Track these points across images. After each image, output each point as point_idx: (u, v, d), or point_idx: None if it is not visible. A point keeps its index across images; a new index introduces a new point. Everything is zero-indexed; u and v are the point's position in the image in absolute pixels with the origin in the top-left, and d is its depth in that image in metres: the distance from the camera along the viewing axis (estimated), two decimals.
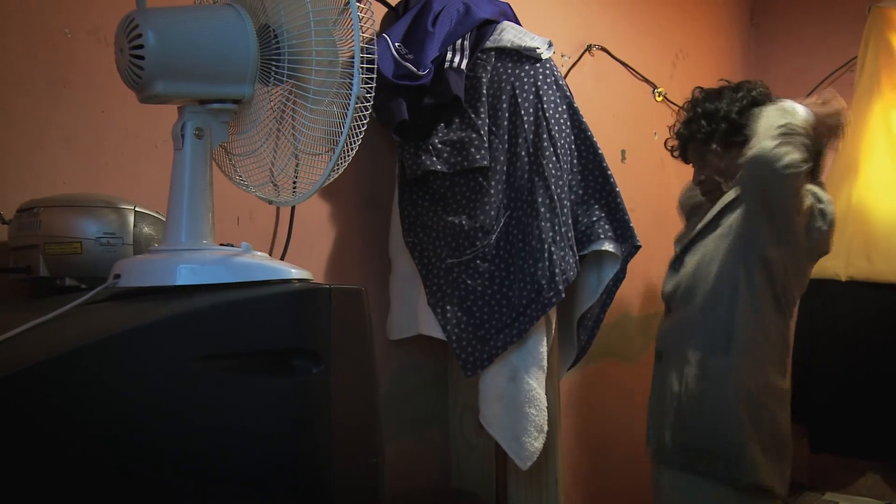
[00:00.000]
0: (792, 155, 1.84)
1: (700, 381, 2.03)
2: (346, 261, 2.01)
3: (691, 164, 2.25)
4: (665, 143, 2.33)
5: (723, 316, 2.03)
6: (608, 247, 1.94)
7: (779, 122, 1.88)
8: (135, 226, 1.28)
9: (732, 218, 2.06)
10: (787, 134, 1.86)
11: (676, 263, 2.21)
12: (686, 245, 2.19)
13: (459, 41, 1.93)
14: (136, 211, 1.29)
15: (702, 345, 2.05)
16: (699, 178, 2.21)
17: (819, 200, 2.01)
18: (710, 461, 2.00)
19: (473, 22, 1.96)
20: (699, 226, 2.17)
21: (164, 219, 1.30)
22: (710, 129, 2.13)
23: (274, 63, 1.12)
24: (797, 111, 1.92)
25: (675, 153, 2.29)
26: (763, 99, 2.11)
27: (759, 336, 2.03)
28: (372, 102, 1.12)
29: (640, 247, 1.96)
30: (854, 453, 3.20)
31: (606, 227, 1.94)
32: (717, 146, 2.13)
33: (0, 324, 0.96)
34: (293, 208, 1.84)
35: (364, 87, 1.09)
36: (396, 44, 1.91)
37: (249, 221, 1.79)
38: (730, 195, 2.10)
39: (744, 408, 1.99)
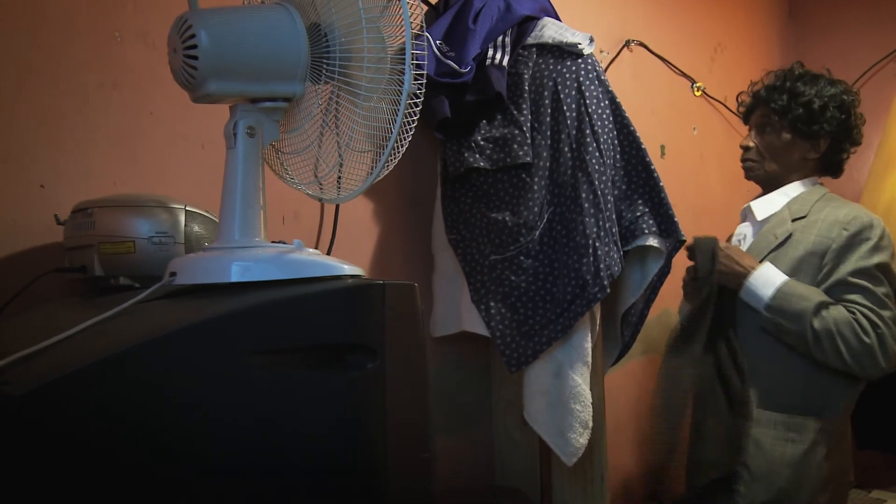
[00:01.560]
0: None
1: (782, 444, 1.96)
2: (389, 258, 2.02)
3: (748, 127, 2.22)
4: (737, 97, 2.29)
5: (813, 378, 1.97)
6: (652, 242, 1.91)
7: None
8: (186, 225, 1.30)
9: None
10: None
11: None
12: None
13: (501, 38, 1.93)
14: (186, 210, 1.31)
15: (783, 406, 1.98)
16: (747, 144, 2.17)
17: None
18: None
19: (514, 18, 1.95)
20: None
21: (214, 218, 1.32)
22: (785, 106, 2.09)
23: (325, 61, 1.12)
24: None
25: (741, 109, 2.26)
26: (849, 108, 2.09)
27: (850, 388, 2.01)
28: (422, 99, 1.12)
29: (684, 241, 1.93)
30: None
31: (651, 222, 1.92)
32: (782, 123, 2.10)
33: (60, 322, 0.98)
34: (337, 207, 1.85)
35: (415, 84, 1.09)
36: (438, 41, 1.91)
37: (294, 221, 1.80)
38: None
39: (829, 462, 1.97)
